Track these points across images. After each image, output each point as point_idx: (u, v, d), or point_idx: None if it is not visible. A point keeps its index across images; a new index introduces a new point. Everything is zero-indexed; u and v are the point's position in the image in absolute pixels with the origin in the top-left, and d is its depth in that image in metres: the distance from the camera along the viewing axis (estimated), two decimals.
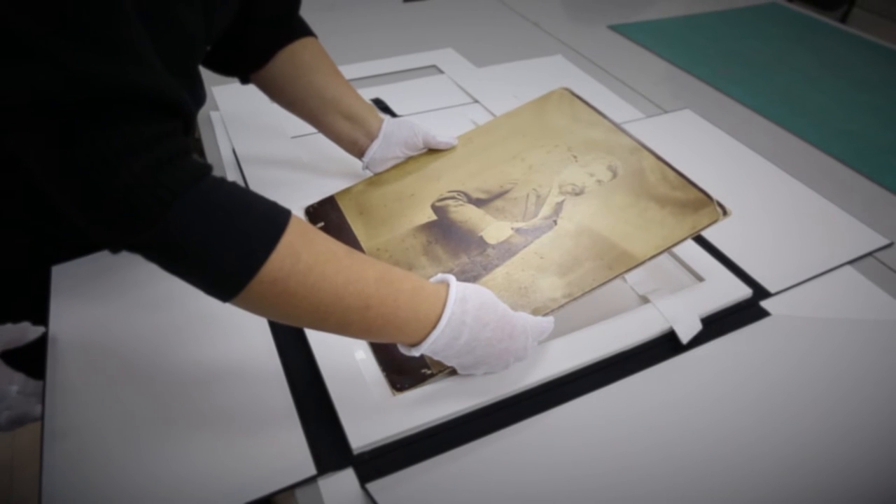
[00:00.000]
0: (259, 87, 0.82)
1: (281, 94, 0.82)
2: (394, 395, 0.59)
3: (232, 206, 0.47)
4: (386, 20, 1.38)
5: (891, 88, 1.20)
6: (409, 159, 0.85)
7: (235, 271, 0.47)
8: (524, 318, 0.59)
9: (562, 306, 0.63)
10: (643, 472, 0.53)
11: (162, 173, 0.44)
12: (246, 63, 0.78)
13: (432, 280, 0.57)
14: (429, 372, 0.60)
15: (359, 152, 0.83)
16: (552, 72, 1.19)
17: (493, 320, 0.56)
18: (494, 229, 0.72)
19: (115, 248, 0.47)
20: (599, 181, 0.75)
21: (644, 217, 0.69)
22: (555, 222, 0.71)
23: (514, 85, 1.12)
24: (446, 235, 0.73)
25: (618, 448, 0.56)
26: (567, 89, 0.89)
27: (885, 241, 0.80)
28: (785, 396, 0.60)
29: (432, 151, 0.86)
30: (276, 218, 0.49)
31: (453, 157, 0.84)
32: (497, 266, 0.68)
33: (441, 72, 1.17)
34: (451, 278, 0.56)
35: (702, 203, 0.68)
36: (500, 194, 0.77)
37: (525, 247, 0.69)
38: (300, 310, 0.50)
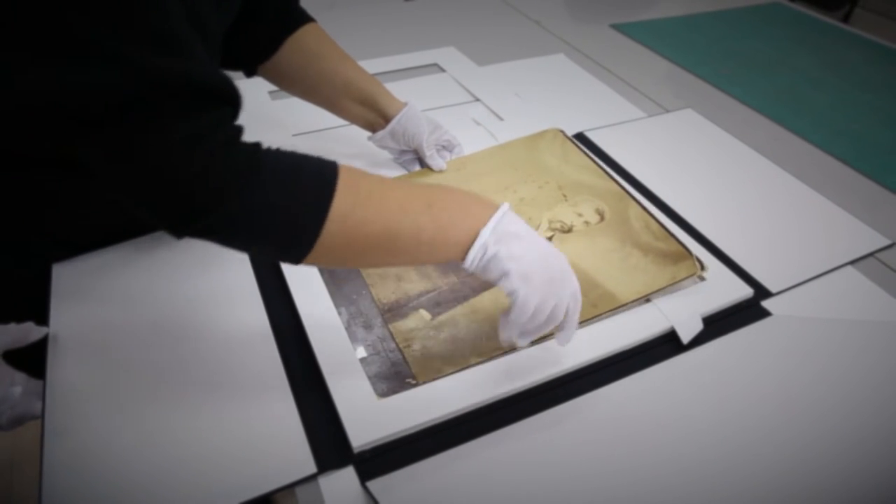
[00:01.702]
0: (268, 78, 0.82)
1: (292, 84, 0.83)
2: (378, 399, 0.59)
3: (287, 169, 0.51)
4: (387, 18, 1.38)
5: (893, 88, 1.19)
6: (402, 176, 0.87)
7: (307, 222, 0.50)
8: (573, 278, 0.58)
9: (546, 337, 0.62)
10: (644, 472, 0.53)
11: (225, 156, 0.48)
12: (252, 55, 0.79)
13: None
14: (413, 382, 0.60)
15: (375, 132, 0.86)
16: (554, 71, 1.19)
17: (531, 234, 0.57)
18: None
19: (181, 233, 0.50)
20: (587, 222, 0.79)
21: (628, 262, 0.73)
22: None
23: (515, 84, 1.12)
24: None
25: (618, 447, 0.56)
26: (560, 130, 0.93)
27: (886, 242, 0.80)
28: (786, 396, 0.60)
29: (425, 170, 0.87)
30: (326, 166, 0.52)
31: (445, 181, 0.86)
32: (486, 289, 0.70)
33: (443, 70, 1.17)
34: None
35: (681, 256, 0.72)
36: None
37: None
38: (373, 237, 0.52)
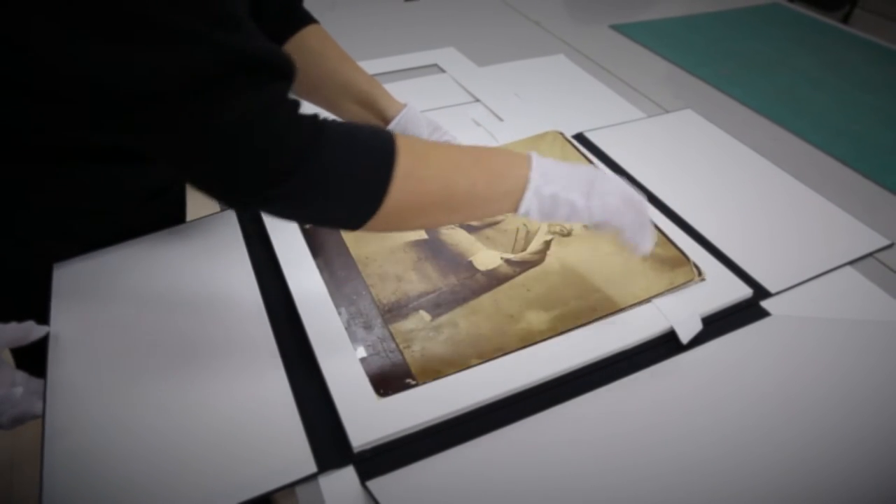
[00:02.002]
0: None
1: (295, 84, 0.83)
2: (378, 399, 0.59)
3: (348, 133, 0.54)
4: (387, 19, 1.38)
5: (892, 89, 1.20)
6: None
7: (375, 182, 0.53)
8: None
9: (546, 339, 0.64)
10: (643, 472, 0.53)
11: (295, 124, 0.51)
12: None
13: None
14: (413, 382, 0.61)
15: None
16: (554, 71, 1.19)
17: (563, 166, 0.61)
18: (484, 256, 0.75)
19: (251, 204, 0.52)
20: (586, 226, 0.79)
21: (627, 267, 0.73)
22: (543, 258, 0.75)
23: (515, 84, 1.13)
24: (436, 255, 0.74)
25: (617, 447, 0.56)
26: (560, 133, 0.93)
27: (885, 242, 0.80)
28: (785, 396, 0.60)
29: None
30: (381, 130, 0.56)
31: None
32: (485, 291, 0.71)
33: (442, 71, 1.17)
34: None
35: (679, 262, 0.74)
36: (491, 224, 0.80)
37: (513, 277, 0.72)
38: (433, 194, 0.56)
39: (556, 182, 0.58)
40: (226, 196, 0.53)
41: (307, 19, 0.81)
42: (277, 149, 0.49)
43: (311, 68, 0.80)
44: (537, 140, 0.93)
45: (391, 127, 0.83)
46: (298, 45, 0.79)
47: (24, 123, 0.58)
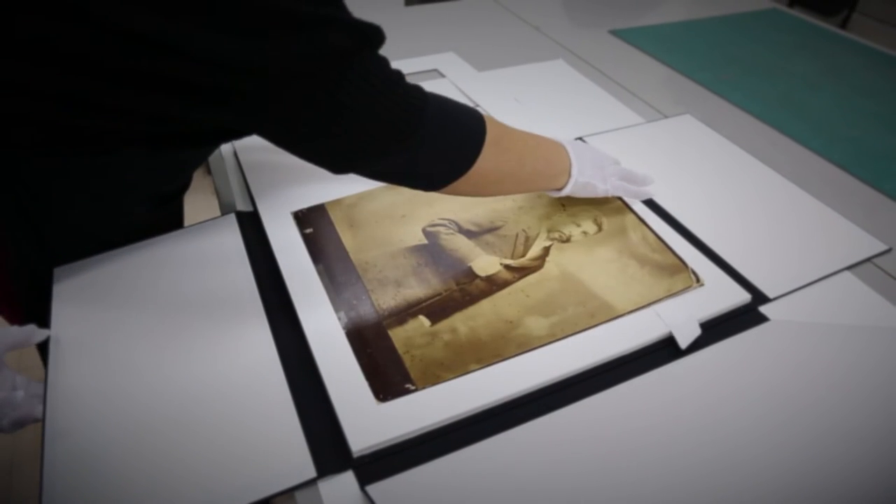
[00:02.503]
0: None
1: None
2: (378, 404, 0.59)
3: (449, 104, 0.63)
4: (387, 23, 1.37)
5: (891, 94, 1.20)
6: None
7: (473, 140, 0.63)
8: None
9: (545, 345, 0.65)
10: (642, 477, 0.54)
11: (413, 89, 0.58)
12: None
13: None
14: (413, 387, 0.61)
15: None
16: (553, 76, 1.19)
17: (583, 144, 0.79)
18: (484, 262, 0.75)
19: (365, 166, 0.61)
20: (585, 232, 0.80)
21: (625, 273, 0.74)
22: (542, 264, 0.75)
23: (515, 89, 1.13)
24: (436, 260, 0.75)
25: (617, 452, 0.56)
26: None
27: (883, 247, 0.80)
28: (784, 401, 0.61)
29: None
30: (470, 107, 0.66)
31: None
32: (484, 297, 0.71)
33: (442, 75, 1.17)
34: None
35: (678, 269, 0.74)
36: (491, 230, 0.80)
37: (512, 283, 0.72)
38: (510, 164, 0.68)
39: (586, 173, 0.77)
40: (348, 161, 0.60)
41: None
42: (402, 110, 0.56)
43: None
44: None
45: None
46: None
47: (119, 111, 0.58)
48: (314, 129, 0.55)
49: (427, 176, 0.64)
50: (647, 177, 0.85)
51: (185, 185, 0.81)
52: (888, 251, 0.80)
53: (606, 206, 0.84)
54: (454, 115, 0.63)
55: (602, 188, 0.78)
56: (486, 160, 0.64)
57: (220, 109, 0.54)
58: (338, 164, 0.60)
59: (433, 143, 0.60)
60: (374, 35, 0.54)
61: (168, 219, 0.81)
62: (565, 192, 0.77)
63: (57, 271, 0.71)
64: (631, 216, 0.82)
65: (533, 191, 0.79)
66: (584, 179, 0.76)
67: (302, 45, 0.49)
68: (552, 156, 0.74)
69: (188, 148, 0.72)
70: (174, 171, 0.75)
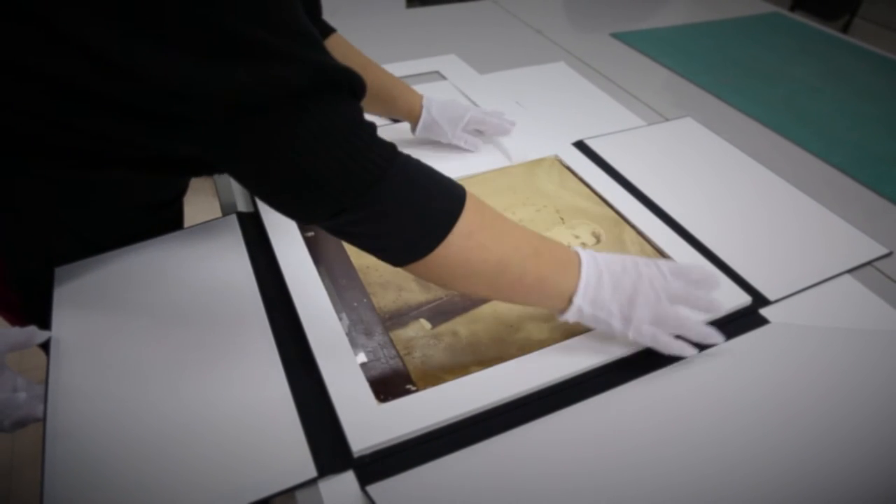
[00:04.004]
0: None
1: None
2: (378, 404, 0.59)
3: (424, 174, 0.55)
4: (389, 26, 1.39)
5: (892, 99, 1.20)
6: None
7: (436, 224, 0.54)
8: (648, 258, 0.63)
9: (545, 348, 0.65)
10: (641, 480, 0.53)
11: (377, 144, 0.52)
12: None
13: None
14: (413, 388, 0.61)
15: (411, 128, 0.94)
16: (554, 79, 1.20)
17: (617, 259, 0.61)
18: None
19: (318, 220, 0.54)
20: (584, 244, 0.80)
21: None
22: None
23: (516, 91, 1.13)
24: None
25: (616, 454, 0.56)
26: (558, 158, 0.95)
27: (884, 251, 0.80)
28: (784, 404, 0.60)
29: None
30: (456, 185, 0.56)
31: None
32: (485, 302, 0.71)
33: (444, 78, 1.18)
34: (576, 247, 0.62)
35: None
36: None
37: None
38: (487, 263, 0.56)
39: (600, 307, 0.60)
40: (295, 210, 0.54)
41: (327, 30, 0.84)
42: (357, 165, 0.50)
43: None
44: (535, 165, 0.94)
45: (417, 130, 0.91)
46: None
47: (91, 133, 0.58)
48: (265, 172, 0.51)
49: (382, 249, 0.56)
50: (709, 335, 0.63)
51: (182, 190, 0.82)
52: (889, 255, 0.80)
53: (604, 220, 0.84)
54: (426, 187, 0.54)
55: (620, 329, 0.61)
56: (452, 251, 0.54)
57: (178, 138, 0.52)
58: (295, 213, 0.55)
59: (390, 210, 0.53)
60: (344, 79, 0.50)
61: (167, 220, 0.81)
62: (567, 319, 0.61)
63: (58, 272, 0.71)
64: (629, 229, 0.82)
65: (519, 304, 0.66)
66: (592, 312, 0.60)
67: (250, 74, 0.45)
68: (551, 271, 0.59)
69: (169, 175, 0.72)
70: (168, 183, 0.76)
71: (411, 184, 0.53)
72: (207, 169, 0.69)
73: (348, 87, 0.50)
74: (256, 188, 0.55)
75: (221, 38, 0.44)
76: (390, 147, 0.53)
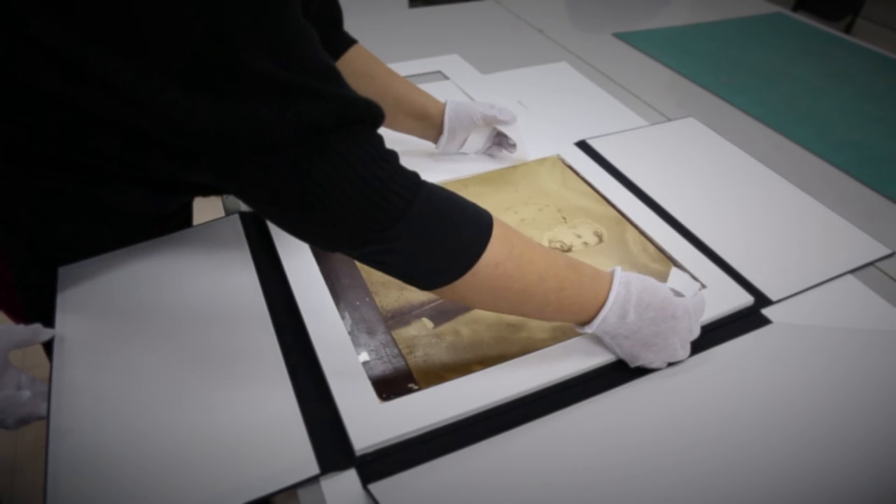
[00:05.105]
0: None
1: None
2: (380, 403, 0.59)
3: (449, 202, 0.55)
4: (391, 25, 1.39)
5: (894, 99, 1.20)
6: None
7: (466, 254, 0.54)
8: (685, 301, 0.62)
9: (547, 347, 0.65)
10: (642, 479, 0.54)
11: (400, 175, 0.51)
12: None
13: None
14: (415, 387, 0.61)
15: (432, 139, 0.90)
16: (557, 79, 1.20)
17: (655, 301, 0.60)
18: None
19: (343, 249, 0.54)
20: (586, 243, 0.80)
21: None
22: None
23: (518, 91, 1.13)
24: None
25: (618, 454, 0.56)
26: (560, 158, 0.94)
27: (886, 251, 0.80)
28: (786, 404, 0.60)
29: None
30: (484, 212, 0.56)
31: None
32: None
33: (446, 77, 1.18)
34: (618, 268, 0.62)
35: None
36: None
37: None
38: (511, 291, 0.56)
39: (612, 336, 0.61)
40: (318, 241, 0.54)
41: (348, 41, 0.83)
42: (381, 197, 0.50)
43: (362, 90, 0.82)
44: (537, 164, 0.94)
45: (442, 140, 0.89)
46: (345, 67, 0.80)
47: (106, 157, 0.59)
48: (288, 204, 0.51)
49: (411, 276, 0.56)
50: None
51: (189, 201, 0.82)
52: (891, 255, 0.80)
53: (606, 219, 0.84)
54: (452, 216, 0.54)
55: (646, 358, 0.62)
56: (479, 279, 0.55)
57: (193, 167, 0.53)
58: (318, 243, 0.56)
59: (416, 242, 0.53)
60: (364, 112, 0.49)
61: (174, 228, 0.80)
62: (589, 331, 0.62)
63: (62, 271, 0.71)
64: (631, 229, 0.82)
65: (548, 320, 0.67)
66: (615, 331, 0.61)
67: (272, 114, 0.45)
68: (573, 303, 0.59)
69: (177, 195, 0.73)
70: (172, 200, 0.76)
71: (437, 214, 0.53)
72: (218, 192, 0.69)
73: (369, 118, 0.50)
74: (279, 219, 0.54)
75: (243, 77, 0.44)
76: (413, 177, 0.53)
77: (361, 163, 0.49)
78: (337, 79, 0.49)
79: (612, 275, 0.61)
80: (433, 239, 0.53)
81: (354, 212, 0.50)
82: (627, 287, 0.60)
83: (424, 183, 0.53)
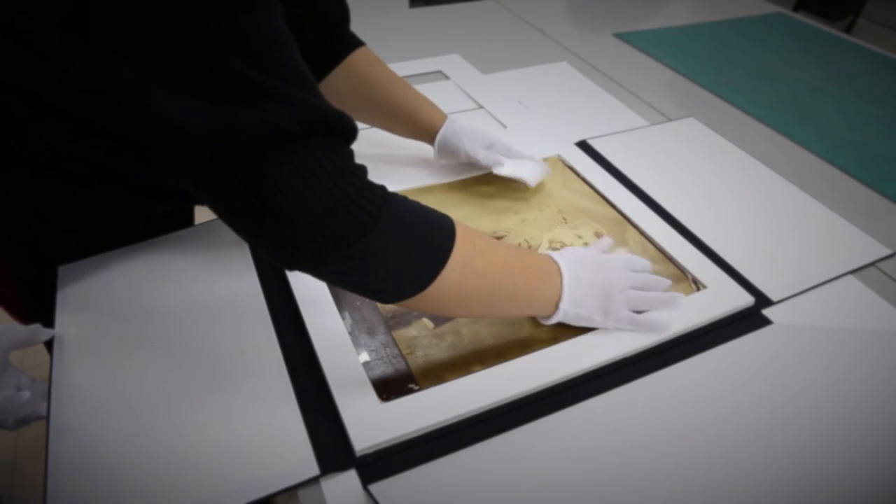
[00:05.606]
0: None
1: (349, 112, 0.85)
2: (381, 403, 0.59)
3: (414, 213, 0.54)
4: (392, 25, 1.39)
5: (895, 99, 1.20)
6: (409, 190, 0.87)
7: (433, 262, 0.54)
8: (615, 257, 0.69)
9: (547, 347, 0.65)
10: (643, 479, 0.54)
11: (366, 190, 0.50)
12: None
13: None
14: (415, 388, 0.61)
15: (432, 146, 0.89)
16: (557, 79, 1.20)
17: (591, 258, 0.66)
18: None
19: (301, 265, 0.52)
20: (586, 244, 0.80)
21: None
22: None
23: (519, 91, 1.13)
24: None
25: (618, 454, 0.56)
26: (560, 158, 0.95)
27: (887, 251, 0.80)
28: (787, 405, 0.60)
29: (431, 188, 0.88)
30: (444, 218, 0.57)
31: (451, 198, 0.87)
32: None
33: (447, 77, 1.18)
34: (556, 256, 0.65)
35: (678, 278, 0.75)
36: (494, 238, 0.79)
37: None
38: (480, 288, 0.58)
39: (582, 305, 0.64)
40: (281, 256, 0.52)
41: (354, 43, 0.82)
42: (347, 212, 0.49)
43: (362, 96, 0.82)
44: None
45: (435, 154, 0.87)
46: (347, 72, 0.81)
47: (87, 158, 0.59)
48: (249, 213, 0.49)
49: (377, 292, 0.55)
50: (672, 298, 0.68)
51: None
52: (891, 255, 0.80)
53: (606, 220, 0.84)
54: (416, 226, 0.54)
55: (601, 322, 0.65)
56: (448, 282, 0.55)
57: (162, 169, 0.52)
58: (279, 259, 0.53)
59: (381, 258, 0.52)
60: (335, 124, 0.48)
61: (175, 227, 0.80)
62: (550, 322, 0.65)
63: (62, 270, 0.71)
64: (631, 229, 0.82)
65: (509, 318, 0.69)
66: (576, 311, 0.63)
67: (240, 115, 0.44)
68: (538, 283, 0.62)
69: (164, 202, 0.72)
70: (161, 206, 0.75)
71: (403, 227, 0.52)
72: (196, 200, 0.68)
73: (340, 131, 0.49)
74: (243, 230, 0.52)
75: (213, 75, 0.43)
76: (381, 192, 0.52)
77: (328, 174, 0.48)
78: (311, 88, 0.48)
79: (555, 262, 0.64)
80: (398, 253, 0.52)
81: (318, 225, 0.48)
82: (564, 256, 0.64)
83: (391, 197, 0.53)
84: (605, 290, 0.64)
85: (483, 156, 0.85)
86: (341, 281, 0.55)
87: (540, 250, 0.78)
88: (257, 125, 0.44)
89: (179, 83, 0.43)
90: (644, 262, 0.70)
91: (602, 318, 0.65)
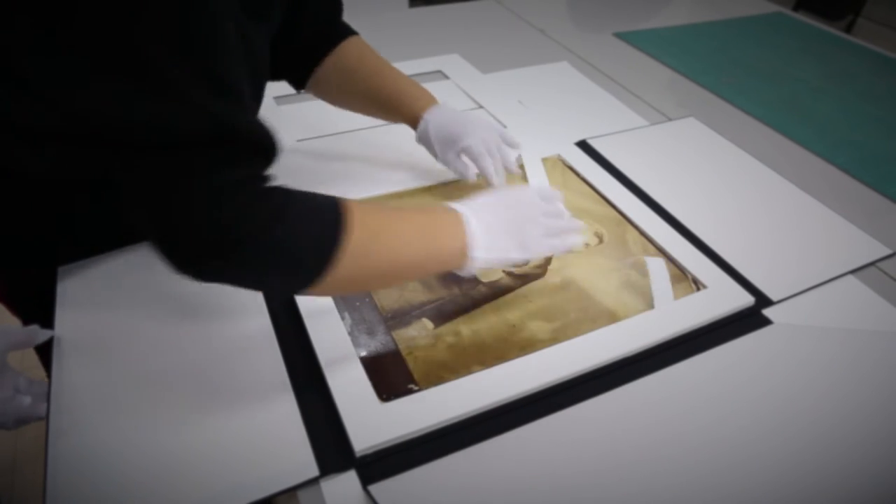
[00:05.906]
0: (316, 94, 0.85)
1: (337, 101, 0.86)
2: (381, 403, 0.59)
3: (302, 213, 0.53)
4: (391, 25, 1.39)
5: (895, 99, 1.20)
6: (409, 190, 0.87)
7: (316, 263, 0.52)
8: (522, 189, 0.68)
9: (547, 347, 0.65)
10: (643, 480, 0.53)
11: (253, 207, 0.49)
12: (290, 72, 0.81)
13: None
14: (415, 388, 0.61)
15: None
16: (557, 79, 1.19)
17: (503, 201, 0.65)
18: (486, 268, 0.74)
19: (186, 270, 0.51)
20: (587, 244, 0.80)
21: (627, 282, 0.74)
22: (544, 272, 0.75)
23: (519, 91, 1.13)
24: None
25: (618, 454, 0.56)
26: (560, 158, 0.94)
27: (887, 251, 0.80)
28: (787, 405, 0.60)
29: (432, 188, 0.88)
30: (335, 202, 0.55)
31: (451, 199, 0.85)
32: (487, 302, 0.71)
33: (446, 77, 1.18)
34: (457, 206, 0.63)
35: (678, 278, 0.75)
36: None
37: (514, 289, 0.73)
38: (379, 267, 0.57)
39: (495, 248, 0.62)
40: (169, 256, 0.51)
41: (344, 33, 0.82)
42: (226, 229, 0.48)
43: (347, 83, 0.82)
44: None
45: (417, 136, 0.84)
46: (337, 60, 0.80)
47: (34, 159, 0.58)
48: (146, 214, 0.49)
49: (270, 288, 0.57)
50: (576, 224, 0.69)
51: None
52: (891, 255, 0.80)
53: (606, 220, 0.84)
54: (305, 229, 0.52)
55: (519, 257, 0.64)
56: (344, 270, 0.54)
57: (78, 164, 0.51)
58: (169, 258, 0.51)
59: (256, 274, 0.53)
60: (243, 138, 0.48)
61: None
62: (470, 273, 0.64)
63: (61, 270, 0.71)
64: (631, 229, 0.82)
65: (423, 277, 0.71)
66: (491, 255, 0.62)
67: (147, 109, 0.43)
68: (441, 242, 0.60)
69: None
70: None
71: (291, 230, 0.51)
72: None
73: (252, 148, 0.49)
74: (146, 231, 0.51)
75: (133, 66, 0.42)
76: (271, 207, 0.51)
77: (224, 187, 0.47)
78: (233, 98, 0.47)
79: (458, 214, 0.62)
80: (277, 262, 0.51)
81: (198, 234, 0.48)
82: (468, 205, 0.63)
83: (283, 202, 0.51)
84: (519, 226, 0.64)
85: (453, 165, 0.84)
86: (233, 283, 0.54)
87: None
88: (168, 124, 0.44)
89: (91, 65, 0.42)
90: (555, 192, 0.69)
91: (519, 254, 0.63)
